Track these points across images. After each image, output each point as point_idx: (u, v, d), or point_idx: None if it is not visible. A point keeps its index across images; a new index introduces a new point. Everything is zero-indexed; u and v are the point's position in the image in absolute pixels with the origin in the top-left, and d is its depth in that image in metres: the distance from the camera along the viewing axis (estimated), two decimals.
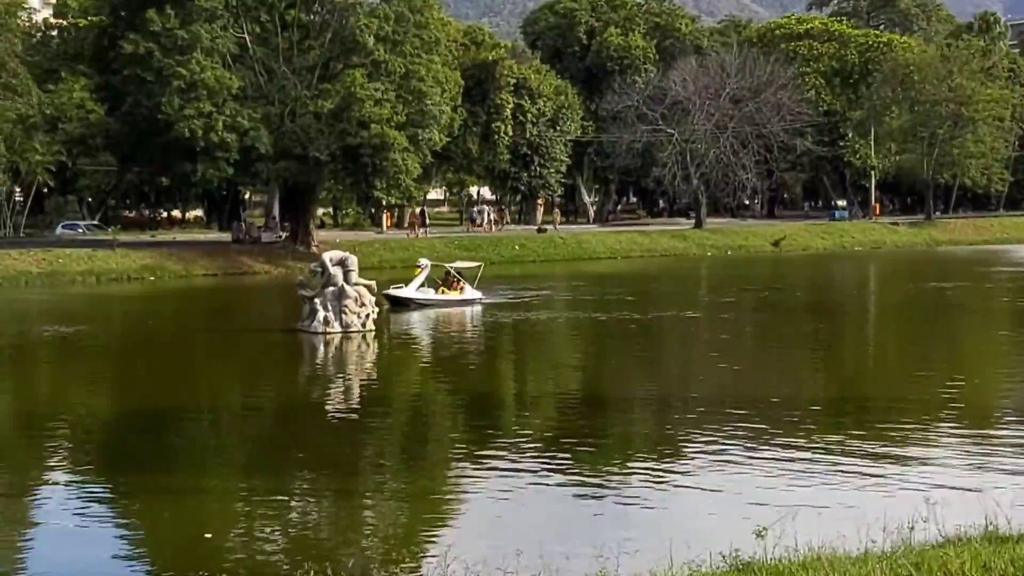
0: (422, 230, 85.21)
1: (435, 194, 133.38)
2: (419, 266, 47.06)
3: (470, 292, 47.56)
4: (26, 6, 71.64)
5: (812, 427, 22.43)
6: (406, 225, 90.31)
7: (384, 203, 78.26)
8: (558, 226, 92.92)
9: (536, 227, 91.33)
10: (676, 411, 24.70)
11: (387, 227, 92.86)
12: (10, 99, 60.74)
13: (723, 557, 11.75)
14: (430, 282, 46.95)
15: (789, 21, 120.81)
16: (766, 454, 19.85)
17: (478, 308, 45.76)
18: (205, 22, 65.49)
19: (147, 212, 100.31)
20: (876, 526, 13.14)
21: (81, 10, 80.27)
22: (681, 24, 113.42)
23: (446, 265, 49.06)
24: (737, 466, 19.06)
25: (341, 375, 31.96)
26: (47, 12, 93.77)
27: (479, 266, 51.00)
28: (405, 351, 37.13)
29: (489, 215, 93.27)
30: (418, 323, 43.15)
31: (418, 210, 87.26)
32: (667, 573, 11.30)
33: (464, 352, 36.22)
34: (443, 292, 46.85)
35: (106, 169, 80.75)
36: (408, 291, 46.01)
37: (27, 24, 76.57)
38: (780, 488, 17.53)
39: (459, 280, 47.74)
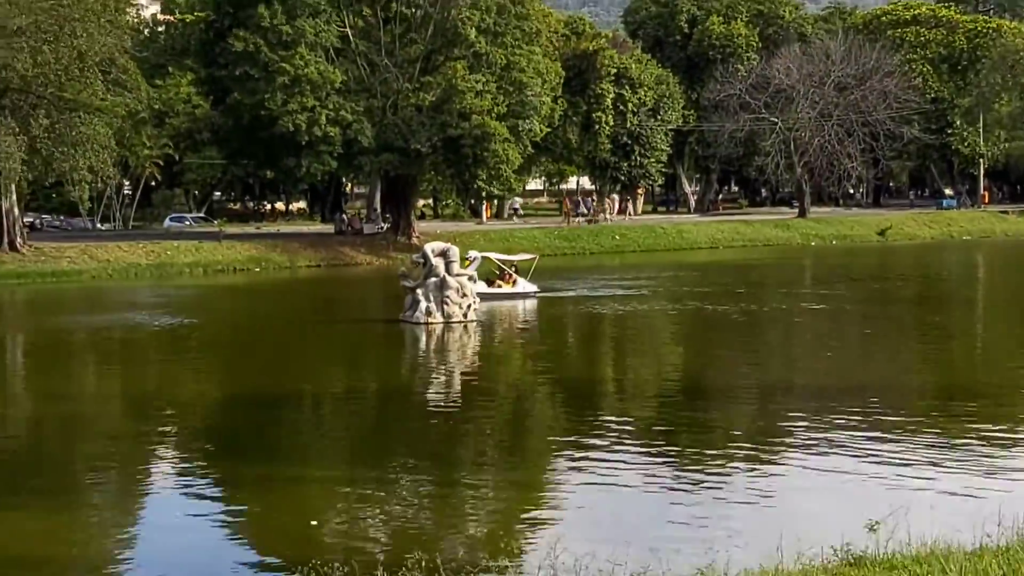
0: (576, 219, 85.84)
1: (535, 184, 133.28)
2: (468, 258, 45.24)
3: (523, 285, 46.71)
4: (134, 2, 72.77)
5: (923, 418, 22.01)
6: (563, 212, 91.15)
7: (484, 194, 78.34)
8: (614, 217, 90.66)
9: (588, 219, 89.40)
10: (782, 401, 24.37)
11: (487, 218, 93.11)
12: (119, 94, 61.72)
13: (834, 551, 11.53)
14: (483, 275, 45.36)
15: (896, 7, 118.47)
16: (876, 446, 19.49)
17: (532, 302, 45.09)
18: (309, 17, 66.14)
19: (252, 204, 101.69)
20: (991, 520, 12.85)
21: (188, 6, 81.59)
22: (784, 11, 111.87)
23: (493, 256, 48.24)
24: (846, 458, 18.72)
25: (443, 365, 32.05)
26: (155, 8, 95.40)
27: (534, 258, 50.30)
28: (506, 341, 37.13)
29: (612, 204, 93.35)
30: (519, 314, 43.14)
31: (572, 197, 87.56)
32: (778, 567, 11.11)
33: (564, 343, 36.16)
34: (497, 285, 46.06)
35: (212, 163, 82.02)
36: None
37: (135, 20, 77.78)
38: (891, 480, 17.21)
39: (512, 272, 46.97)
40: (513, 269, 47.34)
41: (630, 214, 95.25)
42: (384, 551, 14.35)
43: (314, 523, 15.89)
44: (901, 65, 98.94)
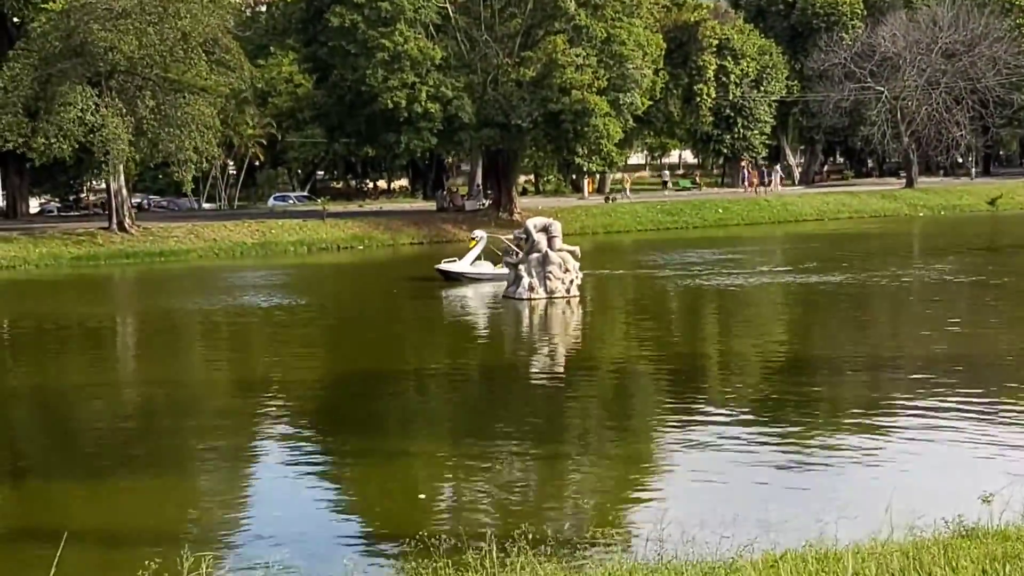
0: (763, 188, 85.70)
1: (636, 159, 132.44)
2: (474, 238, 44.84)
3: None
4: None
5: None
6: (747, 184, 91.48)
7: (585, 169, 78.01)
8: (629, 194, 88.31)
9: (605, 196, 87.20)
10: (889, 374, 23.88)
11: (588, 192, 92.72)
12: (223, 74, 62.42)
13: (946, 523, 11.31)
14: (487, 255, 44.34)
15: None
16: (990, 419, 19.04)
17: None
18: None
19: (354, 183, 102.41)
20: None
21: None
22: None
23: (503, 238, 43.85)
24: (958, 431, 18.29)
25: (546, 340, 32.05)
26: None
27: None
28: (609, 316, 36.96)
29: (769, 175, 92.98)
30: (620, 287, 42.87)
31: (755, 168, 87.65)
32: (888, 539, 10.81)
33: (668, 317, 35.82)
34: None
35: (314, 141, 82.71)
36: (461, 265, 44.07)
37: (238, 1, 78.71)
38: (1006, 453, 16.76)
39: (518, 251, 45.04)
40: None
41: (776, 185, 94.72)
42: (490, 523, 14.27)
43: (422, 496, 15.96)
44: (1011, 30, 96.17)
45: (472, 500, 15.93)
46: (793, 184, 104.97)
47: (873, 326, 32.06)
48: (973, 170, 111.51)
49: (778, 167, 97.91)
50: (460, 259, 44.40)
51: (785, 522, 13.22)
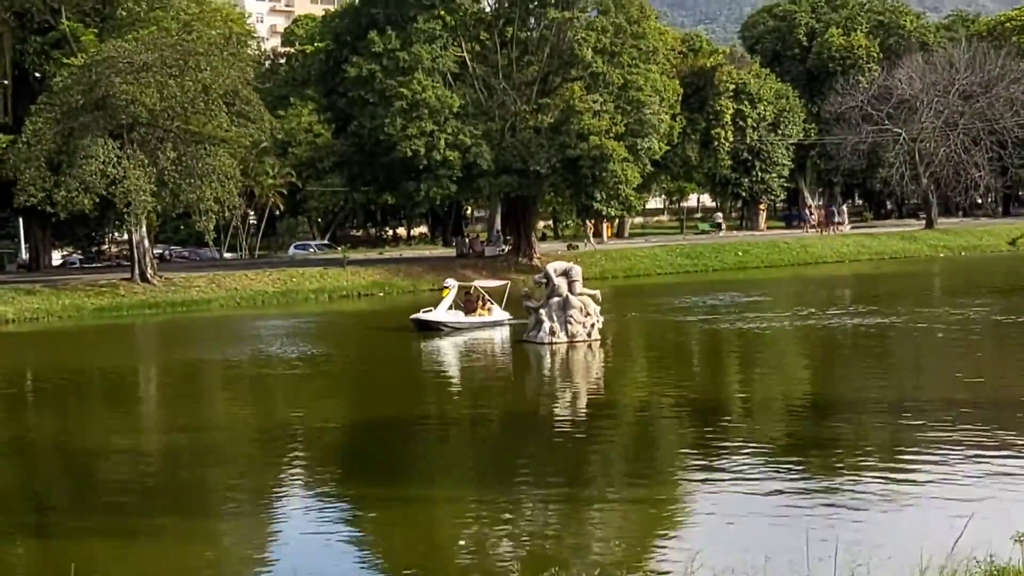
0: (832, 227, 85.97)
1: (654, 203, 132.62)
2: (446, 287, 44.31)
3: (498, 312, 44.68)
4: (256, 35, 74.17)
5: None
6: (811, 225, 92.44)
7: (604, 214, 78.19)
8: (593, 243, 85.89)
9: (568, 244, 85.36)
10: (911, 416, 23.59)
11: (607, 237, 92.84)
12: (243, 126, 62.90)
13: (978, 563, 11.27)
14: (456, 304, 44.32)
15: (1020, 13, 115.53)
16: (1018, 458, 18.94)
17: (506, 330, 42.82)
18: (425, 43, 66.75)
19: (374, 230, 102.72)
20: None
21: (307, 37, 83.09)
22: (905, 21, 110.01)
23: (476, 284, 46.69)
24: (986, 471, 18.20)
25: (567, 384, 31.91)
26: (275, 41, 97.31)
27: (506, 284, 48.15)
28: (631, 359, 36.82)
29: (834, 216, 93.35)
30: (641, 331, 42.77)
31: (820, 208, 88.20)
32: None
33: (690, 360, 35.74)
34: (478, 314, 44.09)
35: (333, 190, 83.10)
36: (437, 314, 43.22)
37: (257, 53, 79.36)
38: None
39: (484, 300, 44.76)
40: (484, 299, 44.92)
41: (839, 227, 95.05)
42: (516, 568, 14.26)
43: (462, 543, 15.87)
44: None
45: (496, 544, 15.78)
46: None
47: (897, 368, 31.88)
48: (999, 209, 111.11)
49: (844, 207, 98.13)
50: (435, 308, 43.66)
51: (818, 559, 13.09)
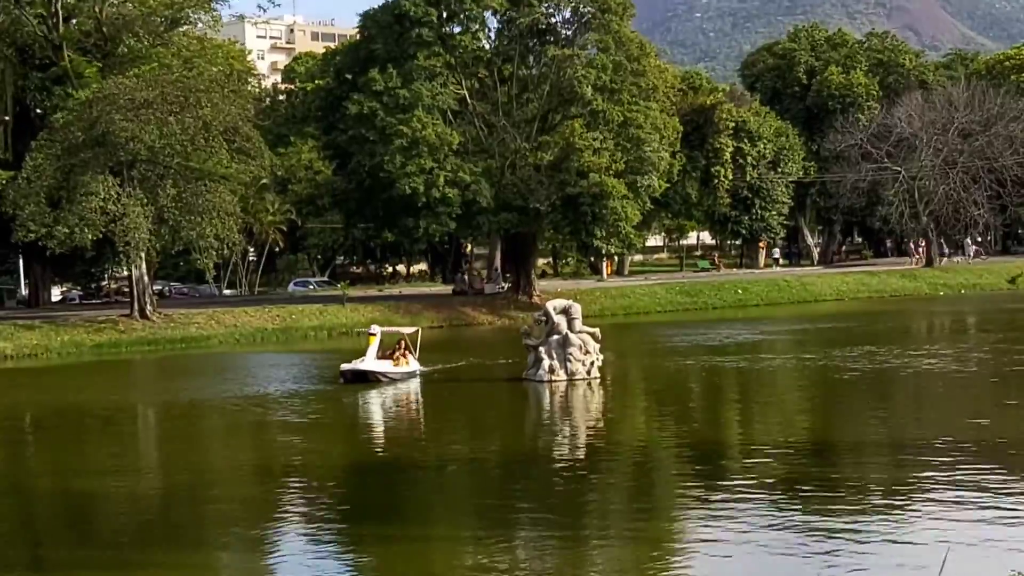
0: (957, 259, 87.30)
1: (654, 241, 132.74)
2: (371, 333, 40.62)
3: (414, 362, 41.44)
4: (256, 73, 74.37)
5: None
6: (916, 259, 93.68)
7: (604, 251, 78.19)
8: (971, 259, 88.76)
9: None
10: (910, 455, 23.58)
11: (607, 275, 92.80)
12: (244, 162, 62.85)
13: None
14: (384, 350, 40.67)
15: (1019, 52, 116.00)
16: (1013, 499, 18.92)
17: (417, 382, 40.29)
18: (425, 80, 66.88)
19: (373, 267, 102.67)
20: None
21: (307, 75, 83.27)
22: (905, 59, 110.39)
23: (387, 330, 42.64)
24: (985, 510, 18.19)
25: (567, 423, 31.72)
26: (276, 78, 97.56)
27: (416, 331, 44.28)
28: (631, 398, 36.72)
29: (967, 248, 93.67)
30: (640, 369, 42.62)
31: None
32: None
33: (689, 399, 35.58)
34: (396, 362, 40.50)
35: (333, 227, 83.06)
36: (368, 363, 39.74)
37: (258, 90, 79.46)
38: None
39: (406, 348, 41.41)
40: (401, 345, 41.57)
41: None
42: None
43: None
44: None
45: None
46: (812, 264, 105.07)
47: (896, 409, 31.71)
48: (973, 250, 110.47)
49: (975, 234, 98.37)
50: (364, 358, 40.40)
51: None
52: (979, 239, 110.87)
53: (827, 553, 16.22)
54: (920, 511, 18.52)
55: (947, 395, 33.14)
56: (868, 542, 16.61)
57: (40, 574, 17.27)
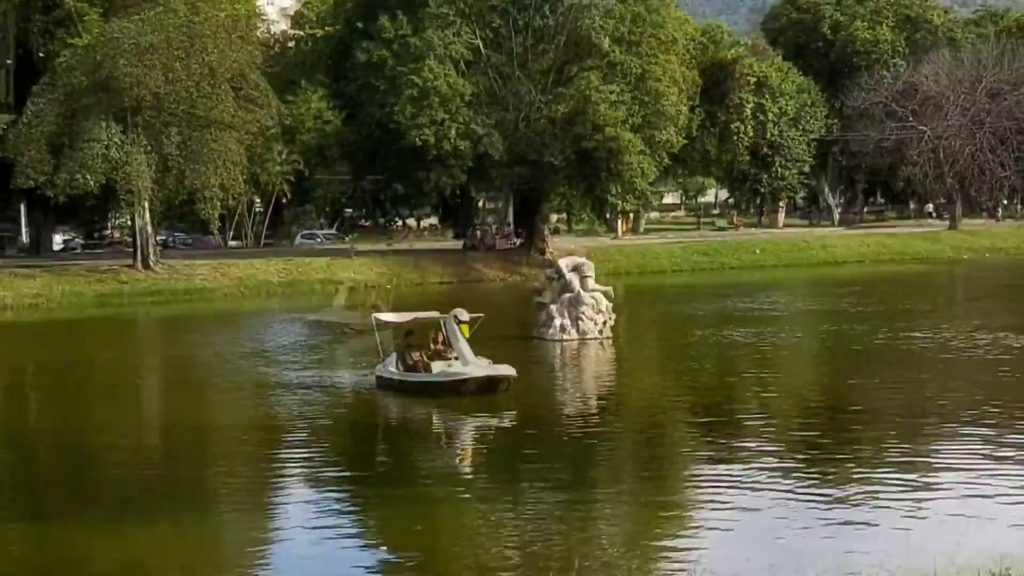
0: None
1: (670, 198, 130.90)
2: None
3: (469, 358, 27.05)
4: (264, 18, 72.64)
5: None
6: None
7: (619, 208, 76.56)
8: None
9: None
10: (925, 421, 23.15)
11: (622, 232, 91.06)
12: (250, 110, 61.36)
13: (991, 574, 11.37)
14: (397, 347, 28.64)
15: None
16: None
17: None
18: (437, 29, 65.10)
19: (382, 220, 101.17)
20: None
21: (317, 21, 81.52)
22: (933, 15, 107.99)
23: (402, 318, 29.50)
24: (1002, 480, 17.82)
25: (578, 383, 31.03)
26: (284, 23, 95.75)
27: (479, 317, 29.42)
28: (643, 358, 35.68)
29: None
30: (651, 329, 41.28)
31: None
32: None
33: (701, 363, 34.04)
34: (440, 355, 27.47)
35: (341, 178, 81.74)
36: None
37: (266, 36, 77.88)
38: None
39: (446, 337, 28.00)
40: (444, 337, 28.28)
41: None
42: (518, 570, 14.11)
43: (463, 542, 15.93)
44: None
45: (500, 546, 15.49)
46: (833, 225, 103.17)
47: (912, 380, 30.06)
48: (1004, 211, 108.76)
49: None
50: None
51: (825, 570, 13.12)
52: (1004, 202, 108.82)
53: (837, 525, 15.88)
54: (936, 480, 18.15)
55: (966, 367, 31.53)
56: (878, 516, 16.08)
57: (38, 534, 17.02)
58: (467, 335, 27.63)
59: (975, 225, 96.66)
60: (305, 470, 20.49)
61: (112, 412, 27.70)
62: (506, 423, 24.42)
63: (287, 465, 21.03)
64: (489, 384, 26.11)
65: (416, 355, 27.22)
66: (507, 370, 26.39)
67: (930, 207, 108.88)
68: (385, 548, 15.85)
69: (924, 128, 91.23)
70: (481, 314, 29.31)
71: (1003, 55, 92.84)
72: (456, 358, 26.78)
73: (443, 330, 27.67)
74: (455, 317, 27.39)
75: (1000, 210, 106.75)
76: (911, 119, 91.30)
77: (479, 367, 26.37)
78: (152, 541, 16.31)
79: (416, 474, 20.01)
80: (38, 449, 23.90)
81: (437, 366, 26.76)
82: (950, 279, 66.25)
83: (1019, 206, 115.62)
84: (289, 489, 19.33)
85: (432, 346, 27.64)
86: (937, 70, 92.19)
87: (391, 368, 27.35)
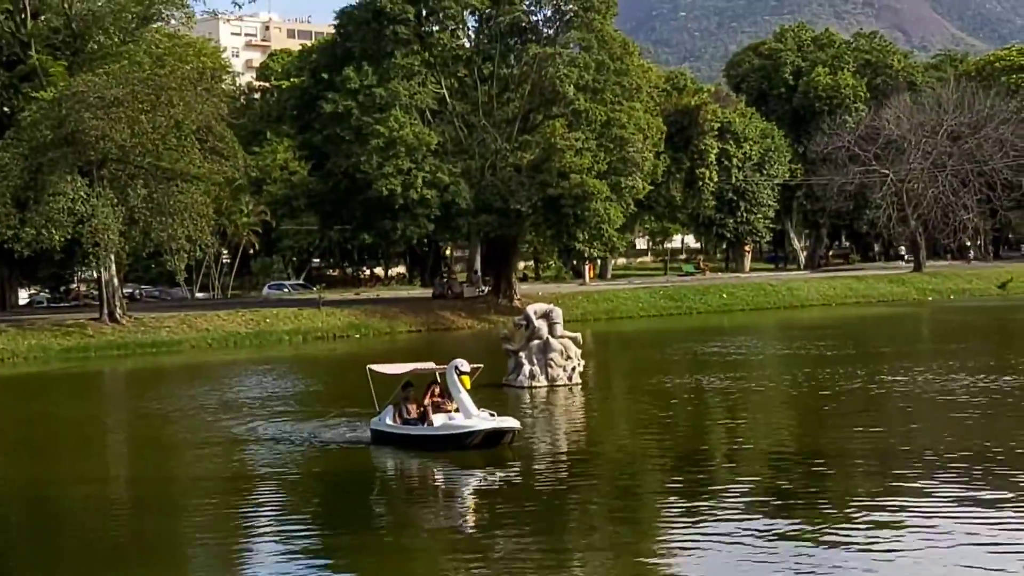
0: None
1: (638, 244, 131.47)
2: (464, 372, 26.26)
3: (471, 411, 25.95)
4: (230, 70, 72.78)
5: None
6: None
7: (586, 255, 76.79)
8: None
9: None
10: (895, 465, 23.00)
11: (590, 279, 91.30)
12: (217, 162, 61.30)
13: None
14: (393, 396, 27.48)
15: (1009, 53, 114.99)
16: (997, 511, 18.59)
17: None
18: (403, 79, 65.41)
19: (350, 270, 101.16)
20: None
21: (283, 72, 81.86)
22: (893, 60, 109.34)
23: (423, 366, 28.16)
24: (967, 523, 17.93)
25: (548, 430, 30.57)
26: (250, 75, 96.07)
27: (478, 368, 28.06)
28: (612, 404, 35.53)
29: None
30: (620, 375, 41.26)
31: None
32: None
33: (672, 407, 33.97)
34: (436, 408, 26.36)
35: (309, 228, 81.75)
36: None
37: (231, 88, 77.99)
38: (1018, 547, 16.34)
39: (443, 394, 26.91)
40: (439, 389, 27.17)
41: None
42: None
43: None
44: (1017, 112, 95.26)
45: None
46: (799, 268, 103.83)
47: (883, 423, 30.13)
48: (970, 253, 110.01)
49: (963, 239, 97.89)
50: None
51: None
52: (967, 244, 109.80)
53: (808, 566, 15.88)
54: (907, 524, 18.14)
55: (934, 411, 31.64)
56: (853, 558, 16.19)
57: None
58: (468, 387, 26.26)
59: (940, 267, 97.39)
60: (275, 522, 20.18)
61: (79, 466, 27.32)
62: (478, 472, 24.15)
63: (257, 518, 20.74)
64: (494, 437, 25.41)
65: (414, 407, 26.49)
66: (511, 422, 25.81)
67: (903, 250, 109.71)
68: None
69: (887, 171, 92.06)
70: (480, 364, 28.29)
71: (963, 99, 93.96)
72: (456, 410, 25.91)
73: (443, 381, 26.60)
74: (456, 368, 26.12)
75: (972, 252, 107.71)
76: (874, 163, 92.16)
77: (483, 419, 25.56)
78: None
79: (384, 524, 19.84)
80: (3, 503, 23.42)
81: (438, 419, 25.86)
82: (916, 321, 66.52)
83: (983, 248, 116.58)
84: (258, 541, 19.02)
85: (429, 398, 26.63)
86: (898, 114, 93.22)
87: (388, 421, 26.54)
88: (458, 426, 25.43)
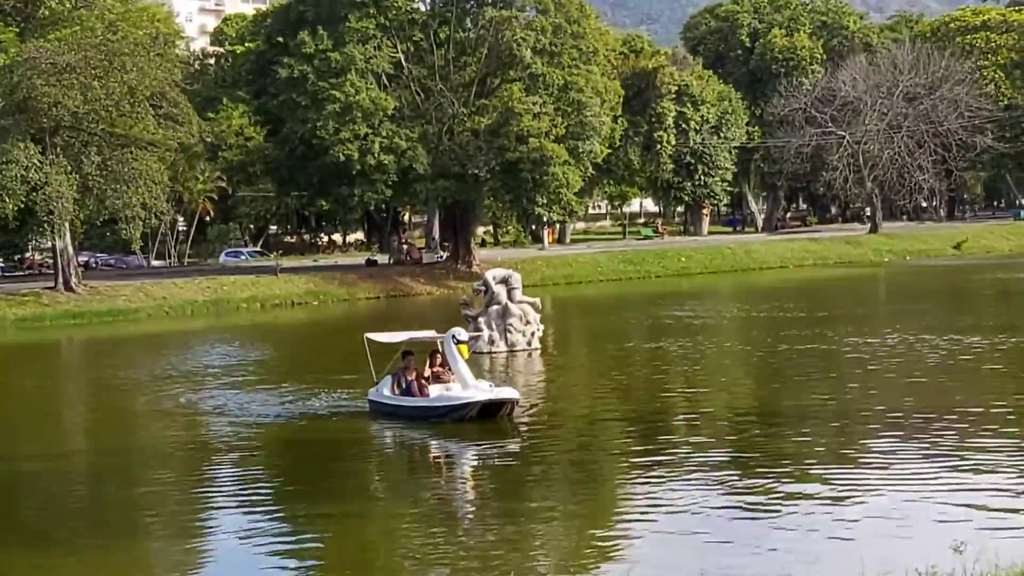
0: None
1: (596, 208, 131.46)
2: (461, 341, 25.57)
3: (469, 382, 25.01)
4: (184, 35, 71.90)
5: (1002, 441, 20.59)
6: None
7: (545, 219, 76.69)
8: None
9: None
10: (854, 425, 23.05)
11: (549, 243, 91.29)
12: (171, 128, 60.75)
13: (919, 573, 11.40)
14: (392, 366, 26.79)
15: (964, 13, 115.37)
16: (960, 470, 18.53)
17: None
18: (358, 43, 64.94)
19: (308, 237, 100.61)
20: None
21: (237, 37, 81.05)
22: (849, 21, 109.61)
23: (393, 336, 27.78)
24: (925, 480, 17.88)
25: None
26: (204, 41, 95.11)
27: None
28: (572, 368, 35.54)
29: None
30: (579, 339, 41.27)
31: None
32: None
33: (631, 371, 34.09)
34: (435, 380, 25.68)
35: (265, 195, 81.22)
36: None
37: (185, 53, 77.21)
38: (977, 503, 16.34)
39: (444, 364, 25.98)
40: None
41: None
42: None
43: (395, 558, 15.43)
44: (972, 72, 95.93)
45: (432, 562, 15.20)
46: (757, 231, 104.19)
47: (841, 383, 30.33)
48: (942, 212, 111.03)
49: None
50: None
51: None
52: (923, 204, 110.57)
53: (766, 531, 15.72)
54: (864, 481, 18.08)
55: (893, 369, 31.88)
56: (808, 521, 16.10)
57: None
58: (466, 355, 25.51)
59: (896, 228, 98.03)
60: (237, 490, 20.03)
61: (37, 438, 27.07)
62: (433, 437, 24.10)
63: (219, 485, 20.65)
64: (492, 409, 24.43)
65: (412, 377, 25.60)
66: (510, 393, 25.05)
67: (868, 210, 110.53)
68: (317, 568, 15.55)
69: (843, 133, 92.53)
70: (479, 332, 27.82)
71: (918, 60, 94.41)
72: (455, 380, 25.24)
73: (443, 350, 25.75)
74: (453, 337, 25.25)
75: (928, 213, 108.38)
76: (830, 125, 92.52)
77: (481, 391, 24.67)
78: (78, 568, 15.96)
79: (346, 492, 19.67)
80: None
81: (435, 390, 25.08)
82: (872, 282, 66.92)
83: (938, 208, 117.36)
84: (220, 510, 18.83)
85: (429, 368, 25.85)
86: (854, 75, 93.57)
87: (386, 392, 25.63)
88: (455, 398, 24.76)
